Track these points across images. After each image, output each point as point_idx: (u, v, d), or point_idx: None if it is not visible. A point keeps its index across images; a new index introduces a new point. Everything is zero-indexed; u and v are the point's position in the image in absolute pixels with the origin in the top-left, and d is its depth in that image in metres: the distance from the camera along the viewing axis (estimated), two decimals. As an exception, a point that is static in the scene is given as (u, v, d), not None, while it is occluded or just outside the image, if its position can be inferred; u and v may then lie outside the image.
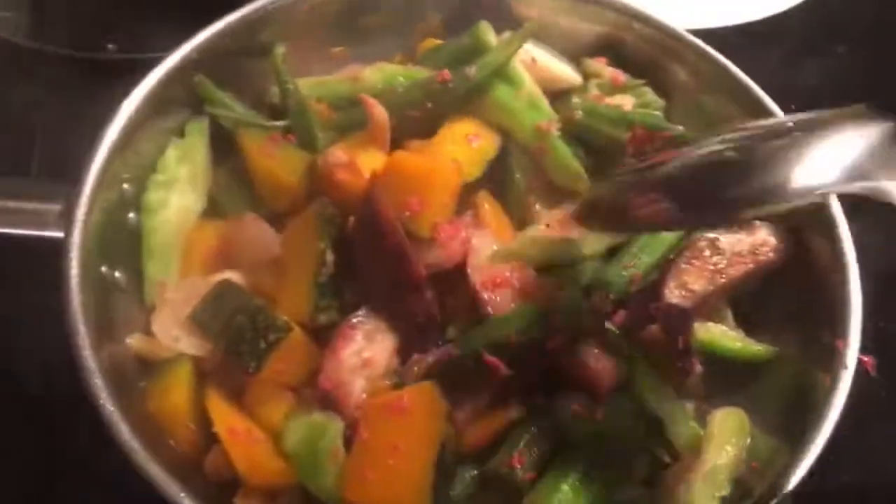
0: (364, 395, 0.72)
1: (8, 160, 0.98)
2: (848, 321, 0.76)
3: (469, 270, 0.77)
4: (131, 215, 0.82)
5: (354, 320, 0.75)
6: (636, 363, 0.76)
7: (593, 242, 0.82)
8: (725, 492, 0.71)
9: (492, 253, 0.79)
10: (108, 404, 0.63)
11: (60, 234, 0.72)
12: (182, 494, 0.61)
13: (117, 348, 0.73)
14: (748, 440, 0.73)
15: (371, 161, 0.83)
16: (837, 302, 0.78)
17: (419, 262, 0.76)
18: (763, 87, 0.93)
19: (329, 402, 0.72)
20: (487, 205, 0.85)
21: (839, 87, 1.16)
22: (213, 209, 0.87)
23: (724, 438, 0.73)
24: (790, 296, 0.85)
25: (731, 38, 1.19)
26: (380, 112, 0.85)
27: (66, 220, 0.72)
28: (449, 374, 0.73)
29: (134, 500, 0.66)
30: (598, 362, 0.75)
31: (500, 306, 0.76)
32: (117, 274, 0.79)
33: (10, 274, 0.82)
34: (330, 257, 0.76)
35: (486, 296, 0.76)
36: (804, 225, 0.85)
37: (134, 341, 0.75)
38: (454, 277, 0.78)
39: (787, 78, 1.13)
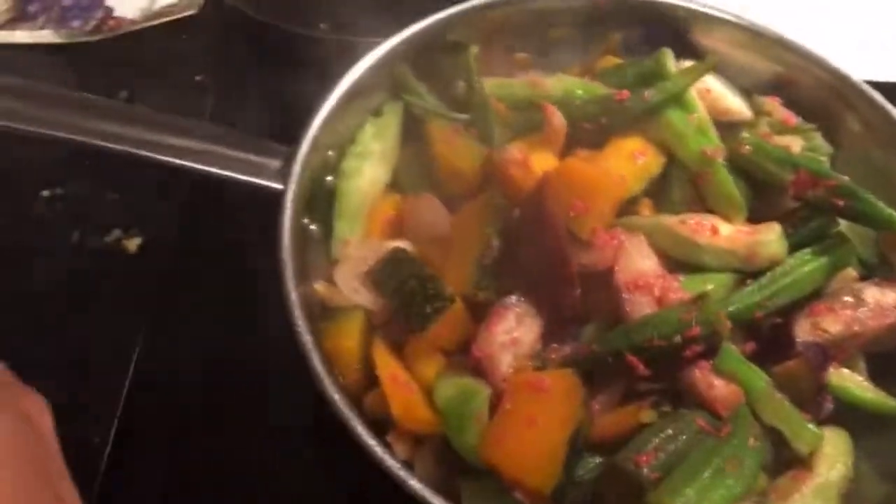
0: (510, 370, 0.79)
1: (226, 116, 1.12)
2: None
3: (616, 269, 0.83)
4: (329, 178, 0.93)
5: (508, 302, 0.82)
6: (757, 385, 0.80)
7: (720, 257, 0.86)
8: None
9: (622, 220, 0.87)
10: (303, 332, 0.74)
11: (278, 186, 0.83)
12: (358, 423, 0.71)
13: (306, 290, 0.84)
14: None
15: (543, 162, 0.90)
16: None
17: (574, 259, 0.82)
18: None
19: (479, 370, 0.79)
20: (648, 211, 0.92)
21: None
22: (396, 183, 0.96)
23: (835, 456, 0.77)
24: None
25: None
26: (559, 120, 0.92)
27: (284, 174, 0.84)
28: (585, 367, 0.79)
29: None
30: (725, 385, 0.80)
31: (637, 309, 0.81)
32: (312, 227, 0.90)
33: (231, 211, 0.96)
34: (495, 243, 0.84)
35: (626, 296, 0.82)
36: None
37: (320, 287, 0.86)
38: (601, 281, 0.84)
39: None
